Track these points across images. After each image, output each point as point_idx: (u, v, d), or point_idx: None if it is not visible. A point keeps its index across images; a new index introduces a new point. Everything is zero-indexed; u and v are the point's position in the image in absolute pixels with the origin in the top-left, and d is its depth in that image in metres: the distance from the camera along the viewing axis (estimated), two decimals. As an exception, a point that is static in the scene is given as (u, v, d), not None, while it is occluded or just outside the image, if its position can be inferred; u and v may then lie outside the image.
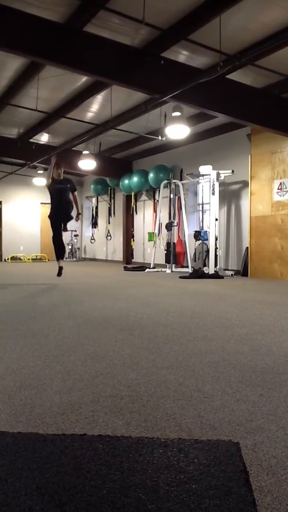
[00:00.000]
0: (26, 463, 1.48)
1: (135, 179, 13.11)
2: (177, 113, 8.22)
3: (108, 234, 15.42)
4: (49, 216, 7.69)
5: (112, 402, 2.05)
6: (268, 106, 7.83)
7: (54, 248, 7.73)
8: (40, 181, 14.86)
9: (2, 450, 1.57)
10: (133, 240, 14.51)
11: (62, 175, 7.60)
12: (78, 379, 2.40)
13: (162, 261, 11.74)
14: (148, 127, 10.18)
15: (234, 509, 1.23)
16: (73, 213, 7.64)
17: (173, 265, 11.32)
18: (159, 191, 12.01)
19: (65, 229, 7.72)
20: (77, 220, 7.80)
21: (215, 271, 9.64)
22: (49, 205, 7.89)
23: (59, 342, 3.25)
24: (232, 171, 9.94)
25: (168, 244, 11.35)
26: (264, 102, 7.80)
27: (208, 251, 9.86)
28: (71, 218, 7.63)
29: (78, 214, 7.74)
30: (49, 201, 7.88)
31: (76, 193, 7.71)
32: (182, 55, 6.75)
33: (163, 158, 12.69)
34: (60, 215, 7.57)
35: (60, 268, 7.67)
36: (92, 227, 16.35)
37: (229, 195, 10.70)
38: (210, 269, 9.66)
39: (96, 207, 16.29)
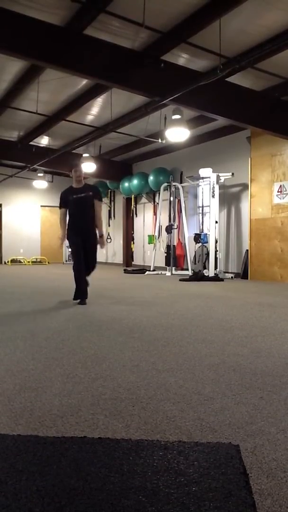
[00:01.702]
0: (26, 465, 1.48)
1: (135, 181, 13.12)
2: (177, 116, 8.24)
3: (108, 237, 15.42)
4: (68, 235, 5.62)
5: (112, 405, 2.05)
6: (268, 108, 7.84)
7: (74, 278, 5.54)
8: (40, 183, 14.90)
9: (2, 453, 1.57)
10: (133, 243, 14.52)
11: (83, 181, 5.71)
12: (78, 381, 2.39)
13: (162, 264, 11.74)
14: (148, 129, 10.20)
15: (234, 511, 1.23)
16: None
17: (173, 268, 11.31)
18: (159, 193, 12.02)
19: (92, 259, 5.64)
20: (101, 246, 5.65)
21: (215, 273, 9.64)
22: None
23: (59, 345, 3.25)
24: (232, 174, 9.95)
25: (168, 246, 11.35)
26: (264, 105, 7.82)
27: (208, 253, 9.86)
28: (95, 240, 5.61)
29: (101, 236, 5.61)
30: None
31: (101, 204, 5.78)
32: (182, 58, 6.77)
33: (163, 160, 12.70)
34: (83, 235, 5.49)
35: (82, 300, 5.46)
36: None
37: (229, 198, 10.71)
38: (210, 271, 9.66)
39: (96, 210, 16.29)
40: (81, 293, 5.48)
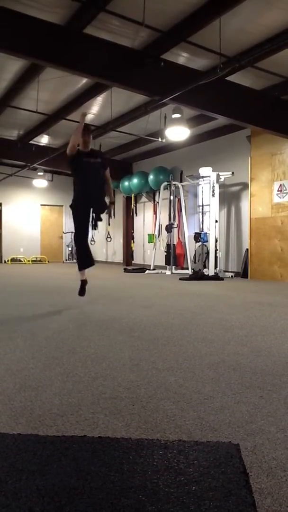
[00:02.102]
0: (26, 464, 1.48)
1: (135, 180, 13.12)
2: (177, 115, 8.24)
3: (108, 236, 15.41)
4: (73, 205, 5.19)
5: (112, 404, 2.05)
6: (268, 108, 7.83)
7: (77, 251, 5.52)
8: (40, 182, 14.89)
9: (2, 452, 1.57)
10: (133, 242, 14.51)
11: (90, 146, 5.20)
12: (78, 380, 2.39)
13: (162, 263, 11.74)
14: (148, 129, 10.19)
15: (234, 510, 1.23)
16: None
17: (173, 267, 11.31)
18: (159, 192, 12.02)
19: (96, 224, 5.36)
20: (108, 212, 5.49)
21: (215, 272, 9.64)
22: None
23: (59, 344, 3.25)
24: (232, 173, 9.95)
25: (168, 245, 11.35)
26: (264, 104, 7.81)
27: (208, 252, 9.86)
28: (105, 207, 5.35)
29: (112, 203, 5.44)
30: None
31: (108, 172, 5.33)
32: (182, 57, 6.76)
33: (163, 160, 12.70)
34: (91, 202, 5.15)
35: (83, 283, 5.34)
36: (92, 229, 16.22)
37: (229, 197, 10.71)
38: (210, 270, 9.66)
39: (96, 209, 16.28)
40: (88, 262, 5.36)
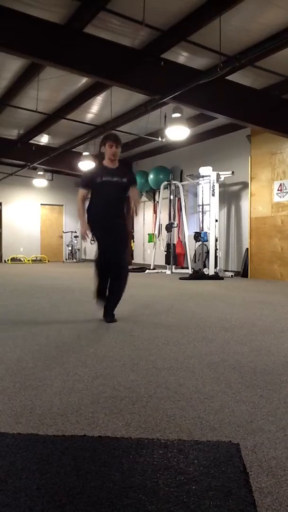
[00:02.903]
0: (26, 464, 1.48)
1: (135, 180, 13.10)
2: (177, 114, 8.23)
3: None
4: (93, 229, 4.19)
5: (112, 403, 2.05)
6: (268, 107, 7.83)
7: (97, 279, 4.27)
8: (40, 182, 14.88)
9: (2, 451, 1.57)
10: (133, 241, 14.51)
11: (117, 161, 4.23)
12: (78, 380, 2.40)
13: (162, 262, 11.74)
14: (148, 128, 10.19)
15: (234, 510, 1.23)
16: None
17: (173, 266, 11.31)
18: (159, 192, 12.01)
19: (122, 257, 4.26)
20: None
21: (215, 272, 9.64)
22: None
23: (59, 343, 3.25)
24: (232, 172, 9.94)
25: (168, 245, 11.35)
26: (264, 103, 7.80)
27: (208, 252, 9.85)
28: (127, 236, 4.59)
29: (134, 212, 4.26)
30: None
31: (137, 192, 4.45)
32: (182, 56, 6.76)
33: (163, 159, 12.69)
34: (110, 231, 4.17)
35: (110, 318, 4.14)
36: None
37: (229, 196, 10.70)
38: (210, 270, 9.65)
39: (96, 208, 16.27)
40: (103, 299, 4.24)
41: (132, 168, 14.17)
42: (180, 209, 11.70)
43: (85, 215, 4.19)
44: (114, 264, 4.16)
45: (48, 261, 16.31)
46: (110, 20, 5.79)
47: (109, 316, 4.14)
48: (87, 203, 4.24)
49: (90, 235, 4.18)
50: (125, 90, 7.35)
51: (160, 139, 9.84)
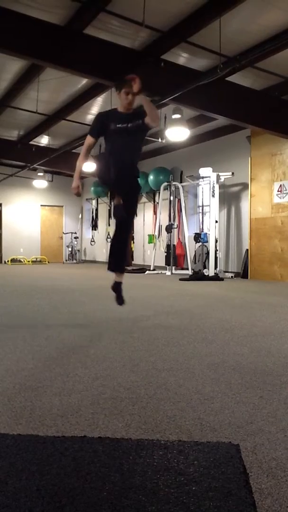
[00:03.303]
0: (26, 465, 1.48)
1: (135, 181, 13.10)
2: (177, 115, 8.24)
3: (108, 236, 15.40)
4: (101, 182, 4.21)
5: (112, 404, 2.05)
6: (268, 108, 7.84)
7: (112, 244, 4.09)
8: (40, 183, 14.89)
9: (2, 452, 1.57)
10: (133, 242, 14.51)
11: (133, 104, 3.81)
12: (78, 381, 2.39)
13: (162, 263, 11.73)
14: (148, 129, 10.18)
15: (234, 511, 1.23)
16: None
17: (173, 267, 11.31)
18: (159, 193, 12.01)
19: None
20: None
21: (215, 273, 9.64)
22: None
23: (59, 344, 3.25)
24: (232, 173, 9.94)
25: (168, 246, 11.35)
26: (264, 104, 7.81)
27: (208, 253, 9.85)
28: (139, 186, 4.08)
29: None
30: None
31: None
32: (182, 57, 6.76)
33: (163, 160, 12.69)
34: (125, 183, 3.84)
35: (117, 286, 4.10)
36: (92, 229, 16.35)
37: (229, 197, 10.70)
38: (210, 271, 9.66)
39: (96, 209, 16.29)
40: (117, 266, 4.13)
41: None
42: (180, 210, 11.70)
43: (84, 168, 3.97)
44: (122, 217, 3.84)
45: (48, 262, 16.32)
46: (110, 21, 5.80)
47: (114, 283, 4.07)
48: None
49: (81, 189, 3.94)
50: (125, 91, 7.34)
51: (160, 140, 9.84)
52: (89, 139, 3.88)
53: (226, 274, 10.09)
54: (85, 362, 2.76)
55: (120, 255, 4.08)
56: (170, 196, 11.39)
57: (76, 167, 3.97)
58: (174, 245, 11.40)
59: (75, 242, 16.76)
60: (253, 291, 7.14)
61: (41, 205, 16.59)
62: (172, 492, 1.32)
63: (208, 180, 9.95)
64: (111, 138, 3.81)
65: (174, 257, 11.36)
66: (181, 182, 11.65)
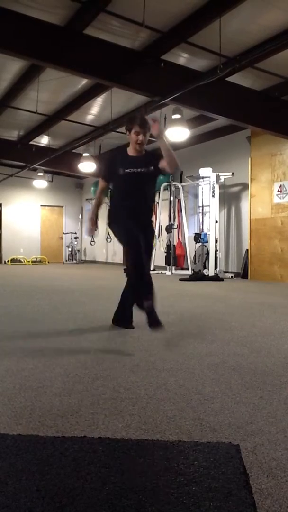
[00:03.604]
0: (26, 465, 1.48)
1: (135, 181, 13.11)
2: (177, 116, 8.23)
3: (108, 236, 15.38)
4: (113, 222, 3.71)
5: (112, 405, 2.05)
6: (268, 108, 7.84)
7: (134, 273, 3.59)
8: (40, 183, 14.89)
9: (2, 453, 1.57)
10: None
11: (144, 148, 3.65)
12: (78, 381, 2.39)
13: (162, 264, 11.73)
14: (148, 129, 10.18)
15: (234, 511, 1.23)
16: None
17: (173, 268, 11.31)
18: (159, 193, 12.00)
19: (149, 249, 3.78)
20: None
21: (215, 273, 9.64)
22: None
23: (59, 345, 3.25)
24: (232, 174, 9.94)
25: (168, 246, 11.35)
26: (264, 105, 7.81)
27: (208, 253, 9.85)
28: (153, 230, 3.98)
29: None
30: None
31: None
32: (182, 57, 6.76)
33: (163, 160, 12.68)
34: (141, 222, 3.58)
35: (151, 314, 3.29)
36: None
37: (229, 198, 10.70)
38: (210, 271, 9.65)
39: (96, 209, 16.27)
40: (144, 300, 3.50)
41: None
42: (180, 210, 11.70)
43: (99, 210, 3.76)
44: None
45: (48, 262, 16.32)
46: (110, 22, 5.80)
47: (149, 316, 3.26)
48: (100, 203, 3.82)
49: (96, 232, 3.82)
50: (125, 92, 7.36)
51: (160, 140, 9.82)
52: (102, 183, 3.75)
53: (226, 274, 10.08)
54: (85, 362, 2.76)
55: (149, 279, 3.66)
56: (170, 196, 11.39)
57: (91, 210, 3.82)
58: (174, 245, 11.40)
59: (75, 242, 16.76)
60: (253, 292, 7.14)
61: (41, 205, 16.59)
62: (172, 492, 1.32)
63: (208, 180, 9.95)
64: (120, 184, 3.59)
65: (174, 257, 11.36)
66: (181, 182, 11.65)
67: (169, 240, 11.31)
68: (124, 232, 3.54)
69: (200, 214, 10.38)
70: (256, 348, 3.16)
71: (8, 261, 15.74)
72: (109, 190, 3.83)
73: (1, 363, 2.74)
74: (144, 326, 3.95)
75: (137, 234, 3.44)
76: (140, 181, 3.53)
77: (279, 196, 8.96)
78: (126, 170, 3.50)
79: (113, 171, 3.56)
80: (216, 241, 9.85)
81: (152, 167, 3.55)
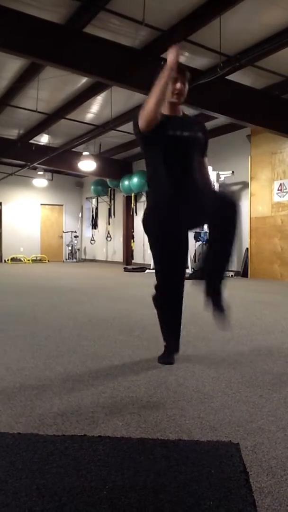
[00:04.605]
0: (26, 464, 1.48)
1: (135, 180, 13.10)
2: (177, 114, 8.22)
3: (108, 235, 15.41)
4: (148, 220, 2.71)
5: (112, 403, 2.05)
6: (268, 107, 7.83)
7: (163, 304, 3.03)
8: (40, 182, 14.88)
9: (2, 451, 1.57)
10: (133, 241, 14.50)
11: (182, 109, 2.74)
12: (78, 380, 2.39)
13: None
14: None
15: (234, 510, 1.23)
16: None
17: (173, 266, 11.28)
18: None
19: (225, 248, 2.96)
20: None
21: (215, 272, 9.62)
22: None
23: (59, 343, 3.25)
24: (232, 172, 9.93)
25: (168, 245, 11.32)
26: (264, 103, 7.80)
27: (208, 252, 9.83)
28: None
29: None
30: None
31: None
32: (182, 56, 6.75)
33: (163, 159, 12.66)
34: (187, 211, 2.58)
35: (169, 357, 2.77)
36: (92, 228, 16.34)
37: (229, 196, 10.68)
38: (210, 270, 9.64)
39: (96, 208, 16.28)
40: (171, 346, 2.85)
41: (132, 168, 14.14)
42: (180, 209, 11.67)
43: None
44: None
45: (48, 261, 16.31)
46: (110, 20, 5.79)
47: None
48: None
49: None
50: (125, 90, 7.35)
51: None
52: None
53: (226, 273, 10.07)
54: (85, 361, 2.76)
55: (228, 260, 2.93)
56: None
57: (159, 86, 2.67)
58: (174, 244, 11.37)
59: (75, 241, 16.75)
60: (253, 290, 7.14)
61: (41, 204, 16.57)
62: (172, 491, 1.32)
63: (208, 179, 9.93)
64: (164, 151, 2.57)
65: (174, 256, 11.33)
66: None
67: (169, 239, 11.27)
68: (159, 247, 2.73)
69: (200, 213, 10.35)
70: (256, 347, 3.16)
71: (8, 260, 15.73)
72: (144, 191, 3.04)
73: (1, 361, 2.74)
74: (144, 326, 3.94)
75: (176, 259, 2.77)
76: (190, 149, 2.61)
77: (279, 194, 8.96)
78: (171, 133, 2.55)
79: (161, 132, 2.53)
80: (216, 240, 9.83)
81: (200, 134, 2.67)
